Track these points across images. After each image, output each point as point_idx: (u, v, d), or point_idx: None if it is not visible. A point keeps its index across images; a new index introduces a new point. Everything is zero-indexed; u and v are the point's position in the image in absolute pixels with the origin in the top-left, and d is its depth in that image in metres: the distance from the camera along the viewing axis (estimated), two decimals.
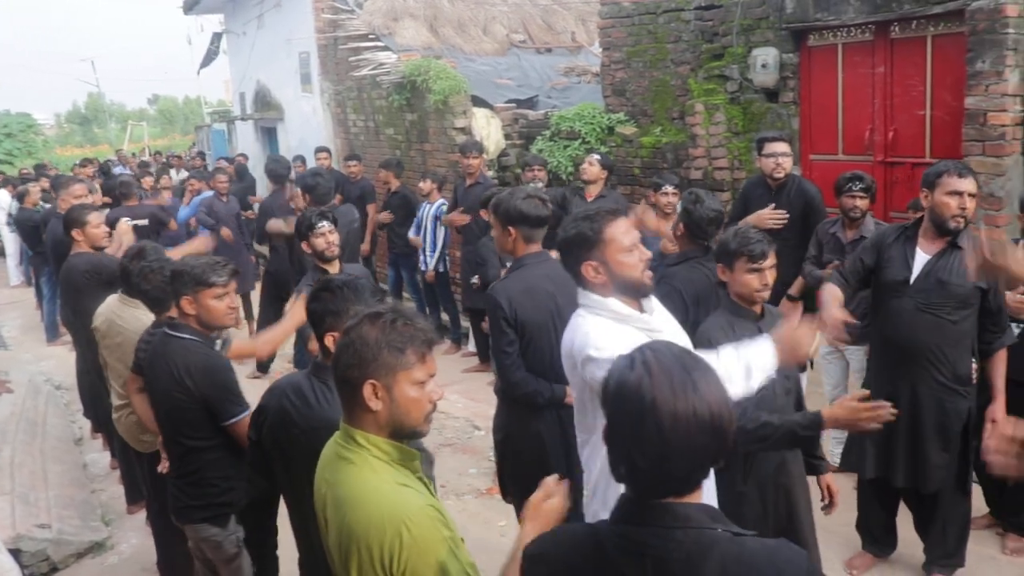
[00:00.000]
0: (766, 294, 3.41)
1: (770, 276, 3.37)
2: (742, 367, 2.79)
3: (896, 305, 4.07)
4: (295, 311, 4.10)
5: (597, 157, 7.06)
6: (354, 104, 12.06)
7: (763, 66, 7.13)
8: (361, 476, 2.08)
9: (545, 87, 11.13)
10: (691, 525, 1.56)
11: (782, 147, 5.80)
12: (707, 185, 7.46)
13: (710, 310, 3.90)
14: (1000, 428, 3.93)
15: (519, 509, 3.48)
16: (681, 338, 2.86)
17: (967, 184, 3.90)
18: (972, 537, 4.51)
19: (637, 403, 1.55)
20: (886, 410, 2.99)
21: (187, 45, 26.43)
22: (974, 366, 4.08)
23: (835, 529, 4.42)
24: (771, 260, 3.37)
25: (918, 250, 4.07)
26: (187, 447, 3.56)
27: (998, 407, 4.00)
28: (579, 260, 2.84)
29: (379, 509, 2.00)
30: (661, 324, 2.89)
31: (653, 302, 2.96)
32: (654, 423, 1.54)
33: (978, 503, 4.90)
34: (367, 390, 2.06)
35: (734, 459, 3.46)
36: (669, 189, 6.04)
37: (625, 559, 1.59)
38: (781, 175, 5.76)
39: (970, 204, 3.92)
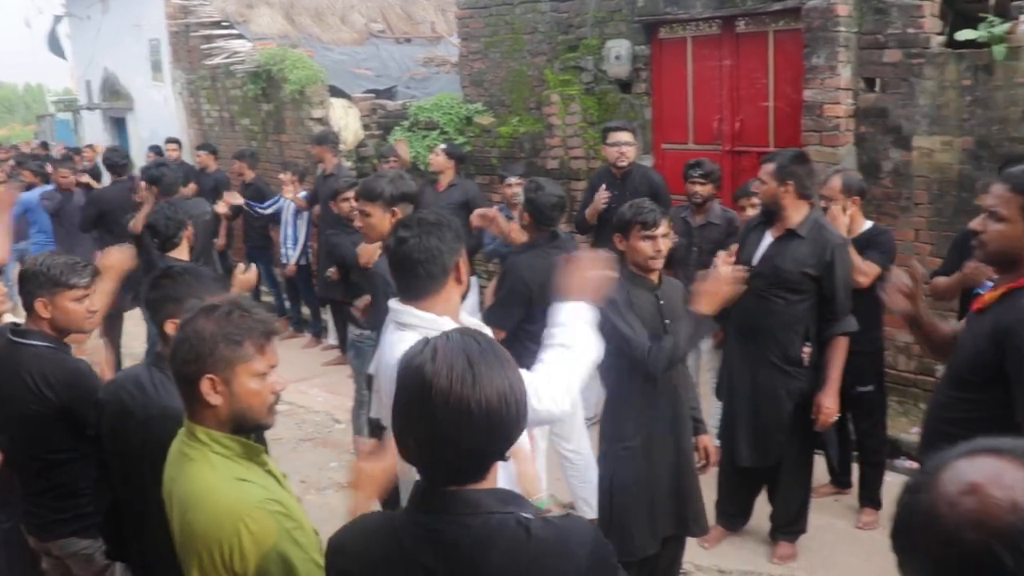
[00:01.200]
0: (659, 262, 3.59)
1: (663, 244, 3.55)
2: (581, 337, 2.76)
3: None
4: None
5: (443, 147, 7.10)
6: (208, 94, 11.67)
7: (616, 58, 7.29)
8: (200, 474, 2.03)
9: (404, 77, 11.07)
10: (481, 511, 1.56)
11: (626, 136, 5.95)
12: (564, 174, 7.59)
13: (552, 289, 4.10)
14: (826, 416, 4.20)
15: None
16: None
17: (764, 170, 4.18)
18: (814, 506, 4.77)
19: (416, 388, 1.55)
20: (741, 273, 3.50)
21: (25, 28, 24.92)
22: (807, 350, 4.24)
23: None
24: (664, 229, 3.55)
25: (766, 235, 4.26)
26: (48, 461, 3.29)
27: (828, 393, 4.18)
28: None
29: (216, 507, 1.96)
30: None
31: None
32: (428, 410, 1.53)
33: (820, 471, 5.20)
34: (205, 385, 2.01)
35: (626, 414, 3.63)
36: (512, 180, 6.11)
37: (418, 547, 1.58)
38: (624, 164, 5.91)
39: (763, 188, 4.21)
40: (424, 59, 11.65)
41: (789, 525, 4.58)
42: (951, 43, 5.81)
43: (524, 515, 1.58)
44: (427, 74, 11.23)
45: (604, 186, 5.85)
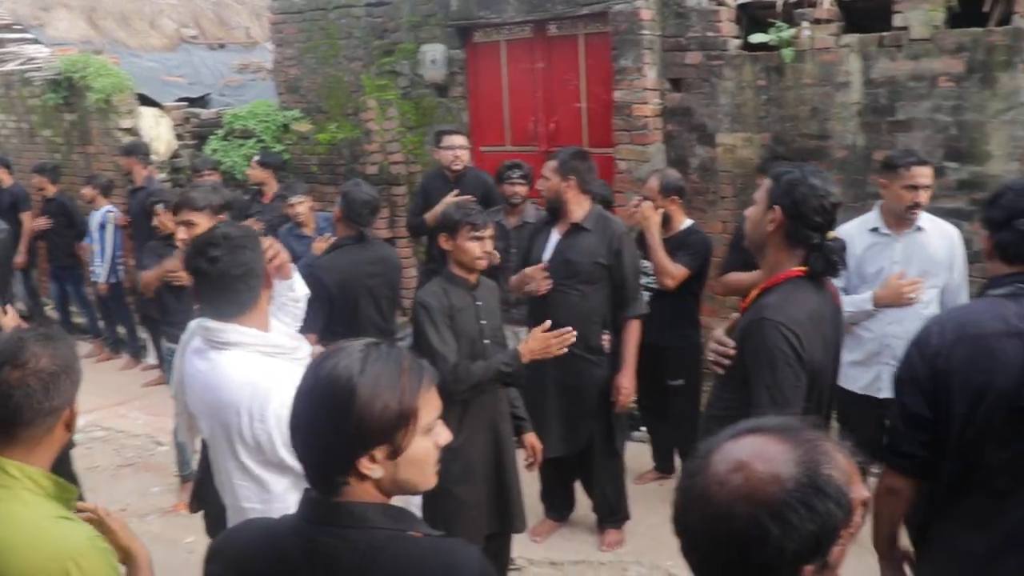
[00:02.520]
0: (485, 262, 3.67)
1: (489, 245, 3.65)
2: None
3: (535, 286, 4.37)
4: None
5: (257, 158, 6.92)
6: (2, 103, 10.86)
7: (432, 62, 7.29)
8: (13, 513, 1.83)
9: (218, 84, 10.69)
10: (366, 525, 1.52)
11: (460, 140, 5.98)
12: (383, 180, 7.53)
13: (359, 292, 4.36)
14: (624, 397, 4.38)
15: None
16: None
17: (547, 167, 4.37)
18: (641, 491, 5.00)
19: (343, 398, 1.52)
20: (569, 334, 3.56)
21: None
22: (606, 338, 4.41)
23: (527, 503, 4.62)
24: (490, 231, 3.65)
25: (553, 232, 4.39)
26: None
27: (625, 374, 4.39)
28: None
29: (38, 549, 1.78)
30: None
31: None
32: (295, 416, 1.55)
33: (646, 460, 5.39)
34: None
35: (449, 414, 3.58)
36: (295, 200, 5.96)
37: (298, 557, 1.54)
38: (459, 167, 5.94)
39: (546, 184, 4.37)
40: (239, 65, 11.28)
41: (612, 513, 4.70)
42: (747, 46, 6.13)
43: (414, 533, 1.56)
44: (243, 81, 10.88)
45: (457, 192, 5.80)
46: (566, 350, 3.62)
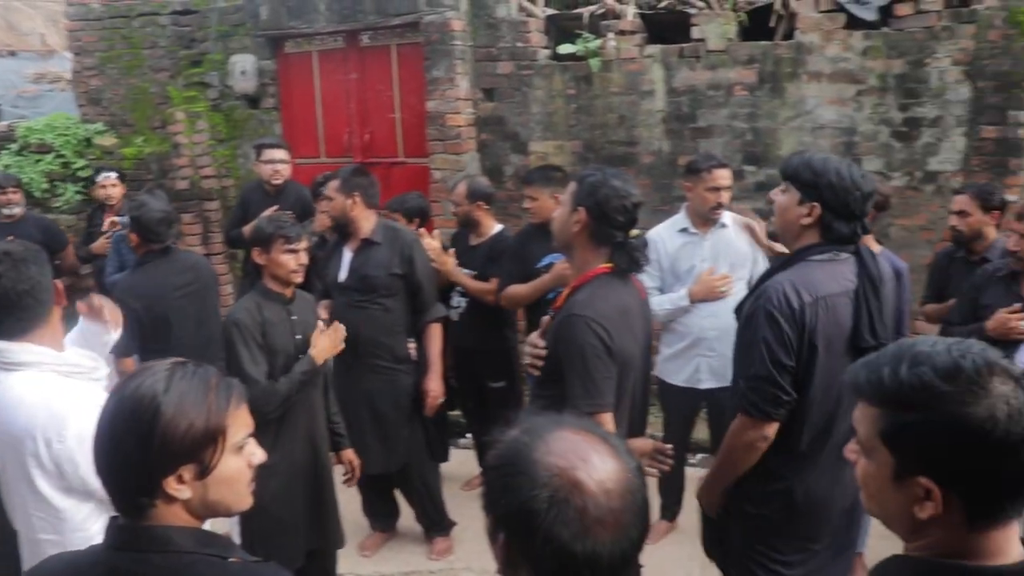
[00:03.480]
0: (300, 275, 3.62)
1: (304, 258, 3.60)
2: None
3: (337, 305, 4.35)
4: None
5: (114, 175, 6.44)
6: None
7: (242, 73, 7.06)
8: None
9: (10, 95, 9.98)
10: (171, 549, 1.47)
11: (280, 154, 5.82)
12: (195, 194, 7.22)
13: (170, 309, 4.30)
14: (433, 400, 4.35)
15: None
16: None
17: (330, 187, 4.43)
18: (469, 497, 5.04)
19: (146, 419, 1.50)
20: (341, 331, 3.72)
21: None
22: (411, 346, 4.44)
23: (344, 515, 4.49)
24: (305, 243, 3.61)
25: (345, 250, 4.37)
26: None
27: (431, 377, 4.42)
28: None
29: None
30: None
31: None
32: (98, 438, 1.53)
33: (473, 466, 5.37)
34: None
35: (264, 431, 3.47)
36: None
37: None
38: (279, 181, 5.79)
39: (331, 204, 4.40)
40: (35, 75, 10.58)
41: (436, 522, 4.69)
42: (556, 56, 6.26)
43: (223, 557, 1.51)
44: (39, 91, 10.20)
45: (276, 208, 5.59)
46: (343, 345, 3.75)
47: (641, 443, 2.85)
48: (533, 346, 2.82)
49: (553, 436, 1.24)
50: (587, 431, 1.27)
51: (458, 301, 5.01)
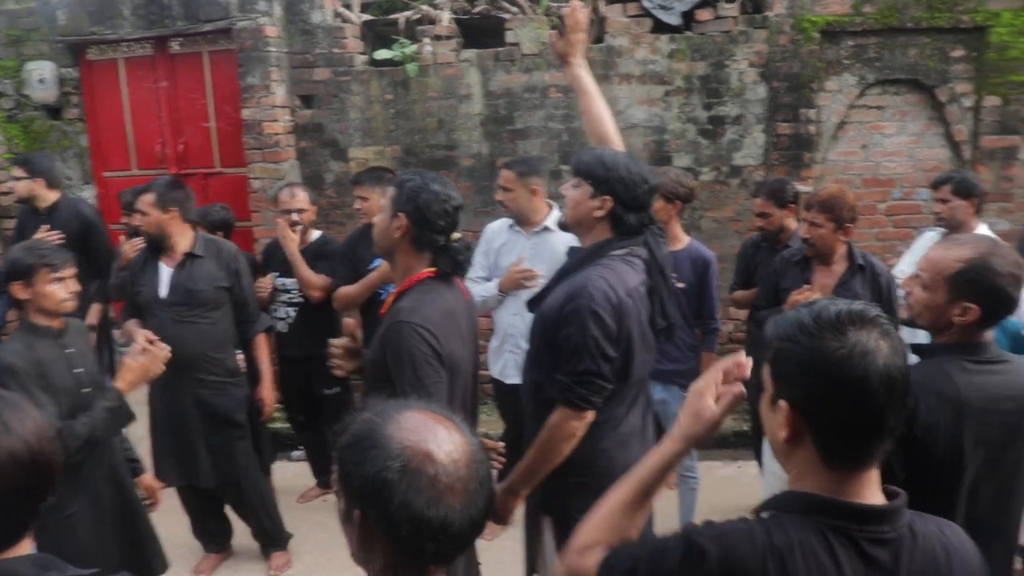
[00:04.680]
0: (72, 303, 3.28)
1: (72, 285, 3.27)
2: None
3: (157, 322, 4.12)
4: None
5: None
6: None
7: (40, 81, 6.65)
8: None
9: None
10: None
11: (16, 171, 5.46)
12: None
13: None
14: (268, 408, 4.32)
15: None
16: None
17: (144, 202, 4.18)
18: (306, 508, 4.99)
19: None
20: (161, 354, 3.38)
21: None
22: (240, 357, 4.39)
23: (174, 540, 4.28)
24: (72, 270, 3.28)
25: (161, 265, 4.24)
26: None
27: (264, 387, 4.44)
28: None
29: None
30: None
31: None
32: None
33: (307, 478, 5.25)
34: None
35: (65, 477, 3.19)
36: None
37: None
38: (17, 198, 5.49)
39: (146, 219, 4.18)
40: None
41: (274, 536, 4.61)
42: (373, 62, 6.22)
43: (71, 574, 1.49)
44: None
45: (47, 227, 5.25)
46: (163, 368, 3.42)
47: None
48: (337, 347, 2.84)
49: (402, 415, 1.32)
50: (432, 411, 1.35)
51: (285, 312, 4.90)
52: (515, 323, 4.30)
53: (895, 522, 1.40)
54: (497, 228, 4.51)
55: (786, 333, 1.41)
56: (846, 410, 1.36)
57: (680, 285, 4.21)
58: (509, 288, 4.25)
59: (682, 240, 4.39)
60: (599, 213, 2.73)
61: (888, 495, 1.44)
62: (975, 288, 2.24)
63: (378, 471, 1.25)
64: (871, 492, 1.41)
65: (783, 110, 5.79)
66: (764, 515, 1.44)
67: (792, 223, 4.57)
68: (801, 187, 5.49)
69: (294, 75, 6.28)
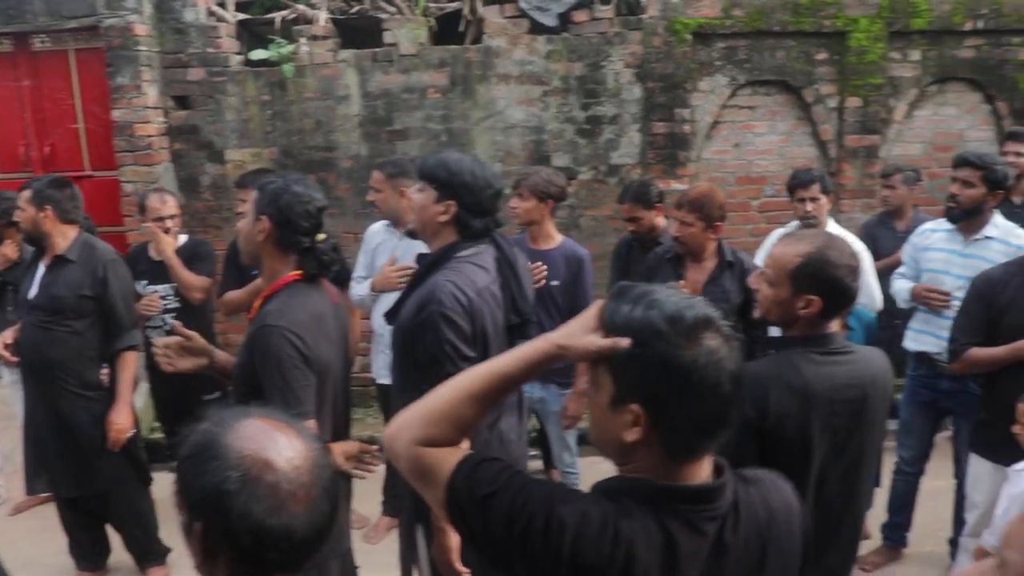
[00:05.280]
0: None
1: None
2: None
3: (26, 323, 4.05)
4: None
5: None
6: None
7: None
8: None
9: None
10: None
11: None
12: None
13: None
14: (117, 433, 4.07)
15: None
16: None
17: (22, 197, 4.05)
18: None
19: None
20: None
21: None
22: (105, 372, 4.16)
23: (48, 561, 4.11)
24: None
25: (40, 266, 4.11)
26: None
27: (117, 409, 4.10)
28: None
29: None
30: None
31: None
32: None
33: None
34: None
35: None
36: None
37: None
38: None
39: (23, 215, 4.04)
40: None
41: (149, 550, 4.46)
42: (249, 62, 6.10)
43: None
44: None
45: None
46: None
47: (347, 446, 2.85)
48: (165, 346, 2.81)
49: (241, 423, 1.30)
50: (273, 418, 1.33)
51: (160, 319, 4.76)
52: (384, 323, 4.30)
53: (724, 495, 1.45)
54: (376, 229, 4.53)
55: (640, 338, 1.41)
56: (700, 412, 1.39)
57: (554, 283, 4.26)
58: (382, 288, 4.24)
59: (556, 239, 4.43)
60: (444, 217, 2.75)
61: (715, 468, 1.49)
62: (815, 281, 2.33)
63: (217, 482, 1.23)
64: (702, 471, 1.46)
65: (658, 110, 5.92)
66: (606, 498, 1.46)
67: (661, 221, 4.66)
68: (677, 185, 5.63)
69: (167, 75, 6.11)
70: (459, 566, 2.71)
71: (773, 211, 6.15)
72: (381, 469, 4.44)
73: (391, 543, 4.18)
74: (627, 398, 1.41)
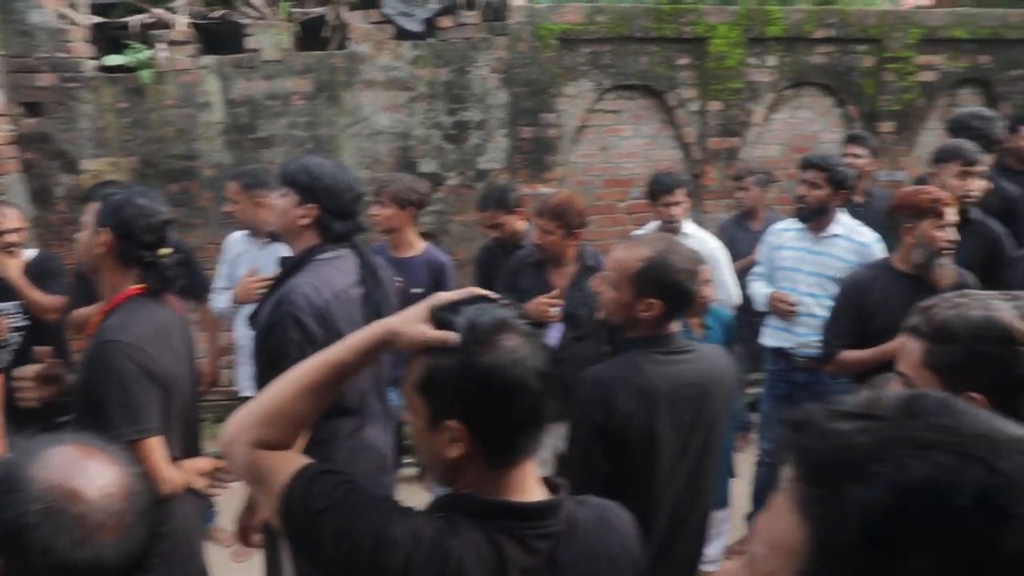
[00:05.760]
0: None
1: None
2: None
3: None
4: None
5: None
6: None
7: None
8: None
9: None
10: None
11: None
12: None
13: None
14: None
15: None
16: None
17: None
18: None
19: None
20: None
21: None
22: None
23: None
24: None
25: None
26: None
27: None
28: None
29: None
30: None
31: None
32: None
33: None
34: None
35: None
36: None
37: None
38: None
39: None
40: None
41: None
42: (105, 67, 5.88)
43: None
44: None
45: None
46: None
47: (200, 462, 2.78)
48: (20, 379, 2.73)
49: (48, 452, 1.24)
50: (84, 443, 1.28)
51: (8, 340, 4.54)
52: (245, 335, 4.23)
53: (557, 514, 1.46)
54: (236, 239, 4.48)
55: (443, 350, 1.41)
56: (512, 412, 1.41)
57: (417, 291, 4.26)
58: (243, 299, 4.18)
59: (417, 246, 4.43)
60: (305, 221, 2.78)
61: (551, 487, 1.50)
62: (656, 285, 2.40)
63: (16, 516, 1.18)
64: (532, 488, 1.47)
65: (525, 115, 5.98)
66: (438, 516, 1.46)
67: (522, 225, 4.72)
68: (544, 189, 5.70)
69: (13, 80, 5.83)
70: None
71: (640, 213, 6.28)
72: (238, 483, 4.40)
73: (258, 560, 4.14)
74: (442, 416, 1.41)
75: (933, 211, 3.41)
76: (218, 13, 6.05)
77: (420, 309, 1.48)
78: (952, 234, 3.42)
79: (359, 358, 1.51)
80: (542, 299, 4.04)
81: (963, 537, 0.71)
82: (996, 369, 1.66)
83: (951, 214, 3.42)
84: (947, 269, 3.43)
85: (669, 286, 2.40)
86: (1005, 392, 1.64)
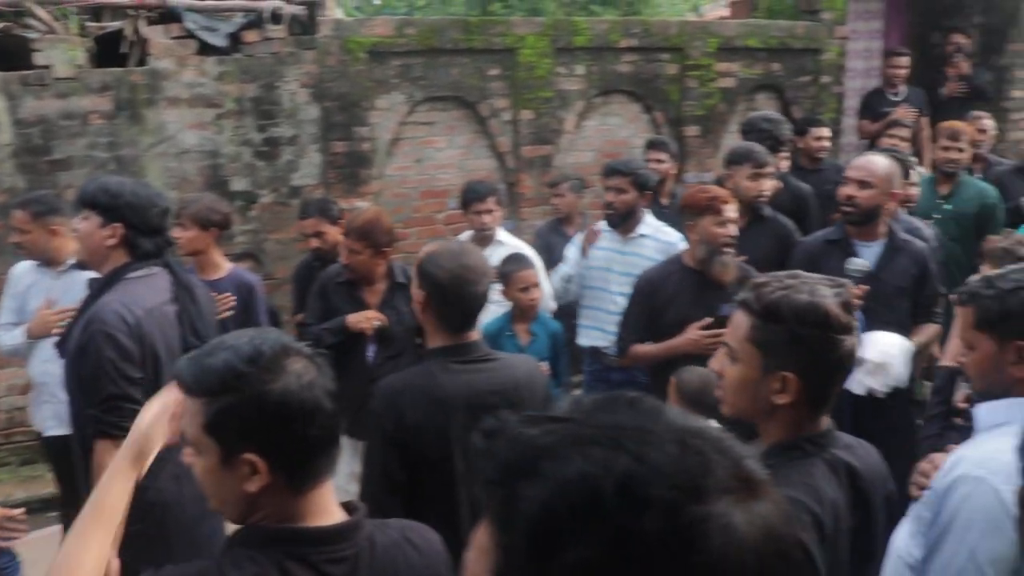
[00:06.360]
0: None
1: None
2: None
3: None
4: None
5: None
6: None
7: None
8: None
9: None
10: None
11: None
12: None
13: None
14: None
15: None
16: None
17: None
18: None
19: None
20: None
21: None
22: None
23: None
24: None
25: None
26: None
27: None
28: None
29: None
30: None
31: None
32: None
33: None
34: None
35: None
36: None
37: None
38: None
39: None
40: None
41: None
42: None
43: None
44: None
45: None
46: None
47: None
48: None
49: None
50: None
51: None
52: (48, 370, 4.02)
53: (354, 538, 1.47)
54: (24, 269, 4.26)
55: (224, 385, 1.40)
56: (309, 435, 1.42)
57: (226, 313, 4.18)
58: (39, 333, 4.00)
59: (223, 268, 4.34)
60: (112, 241, 2.75)
61: (349, 510, 1.52)
62: (423, 281, 2.47)
63: None
64: (329, 510, 1.48)
65: (337, 129, 5.94)
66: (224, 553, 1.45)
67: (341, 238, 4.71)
68: (360, 203, 5.68)
69: None
70: None
71: (457, 223, 6.34)
72: (51, 531, 4.20)
73: None
74: (236, 451, 1.40)
75: (711, 208, 3.60)
76: (1, 26, 5.70)
77: (151, 403, 1.55)
78: (732, 230, 3.61)
79: (133, 473, 1.59)
80: (368, 313, 4.04)
81: (608, 525, 0.73)
82: (813, 352, 1.75)
83: (730, 211, 3.61)
84: (728, 264, 3.62)
85: (429, 281, 2.45)
86: (819, 374, 1.77)
